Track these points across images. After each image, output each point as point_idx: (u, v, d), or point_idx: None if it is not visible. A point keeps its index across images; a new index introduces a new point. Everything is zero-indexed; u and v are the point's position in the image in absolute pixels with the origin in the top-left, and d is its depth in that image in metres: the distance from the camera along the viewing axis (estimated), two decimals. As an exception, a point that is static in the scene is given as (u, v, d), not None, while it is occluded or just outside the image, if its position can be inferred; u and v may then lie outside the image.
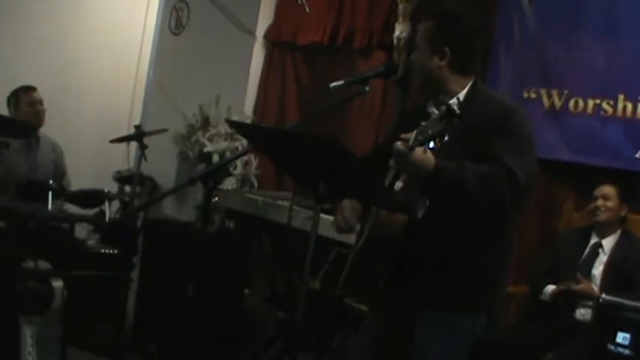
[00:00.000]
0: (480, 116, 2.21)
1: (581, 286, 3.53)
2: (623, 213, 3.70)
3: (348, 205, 2.48)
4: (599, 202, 3.68)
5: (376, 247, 2.32)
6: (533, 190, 2.26)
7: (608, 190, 3.69)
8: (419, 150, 2.04)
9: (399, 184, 2.28)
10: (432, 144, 2.04)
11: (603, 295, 3.22)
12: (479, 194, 2.11)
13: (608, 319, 3.11)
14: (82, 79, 5.93)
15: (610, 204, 3.68)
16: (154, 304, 4.33)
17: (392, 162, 2.21)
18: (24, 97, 4.50)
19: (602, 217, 3.68)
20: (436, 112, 2.06)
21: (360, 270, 2.37)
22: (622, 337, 3.03)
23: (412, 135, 2.04)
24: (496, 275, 2.36)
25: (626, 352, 3.01)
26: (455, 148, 2.13)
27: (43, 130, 4.62)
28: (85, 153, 5.66)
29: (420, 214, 2.23)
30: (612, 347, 3.04)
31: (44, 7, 5.75)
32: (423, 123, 2.04)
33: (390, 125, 4.17)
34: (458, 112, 1.96)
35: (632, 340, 3.01)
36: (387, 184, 2.28)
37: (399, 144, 2.07)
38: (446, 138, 2.01)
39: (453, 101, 2.20)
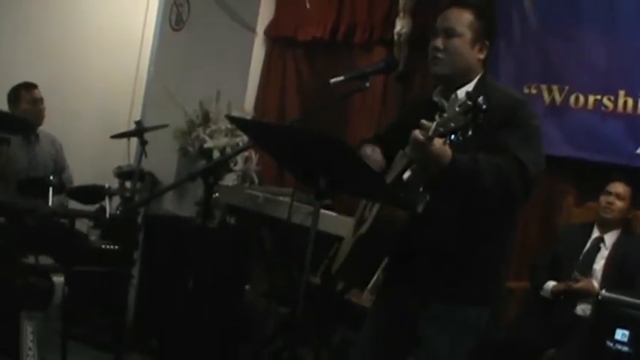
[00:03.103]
0: (489, 108, 2.16)
1: (581, 285, 3.53)
2: (630, 215, 3.70)
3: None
4: (612, 198, 3.67)
5: (380, 235, 2.27)
6: (540, 183, 2.25)
7: (623, 189, 3.67)
8: (438, 141, 1.99)
9: (407, 174, 2.22)
10: (452, 136, 1.97)
11: (602, 292, 3.22)
12: (492, 187, 2.09)
13: (607, 315, 3.11)
14: (82, 75, 5.92)
15: (621, 204, 3.66)
16: (155, 299, 4.34)
17: (407, 149, 2.14)
18: (25, 94, 4.50)
19: (610, 215, 3.67)
20: (444, 102, 2.00)
21: (360, 257, 2.32)
22: (621, 334, 3.03)
23: (432, 125, 1.98)
24: (498, 268, 2.35)
25: (625, 348, 3.01)
26: (468, 140, 2.07)
27: (43, 126, 4.62)
28: (86, 149, 5.66)
29: (420, 209, 2.20)
30: (611, 344, 3.04)
31: (45, 3, 5.74)
32: (445, 114, 1.98)
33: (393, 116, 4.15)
34: (485, 107, 1.91)
35: (630, 336, 3.01)
36: (397, 171, 2.23)
37: (417, 132, 2.00)
38: (469, 133, 1.95)
39: (467, 91, 2.11)
